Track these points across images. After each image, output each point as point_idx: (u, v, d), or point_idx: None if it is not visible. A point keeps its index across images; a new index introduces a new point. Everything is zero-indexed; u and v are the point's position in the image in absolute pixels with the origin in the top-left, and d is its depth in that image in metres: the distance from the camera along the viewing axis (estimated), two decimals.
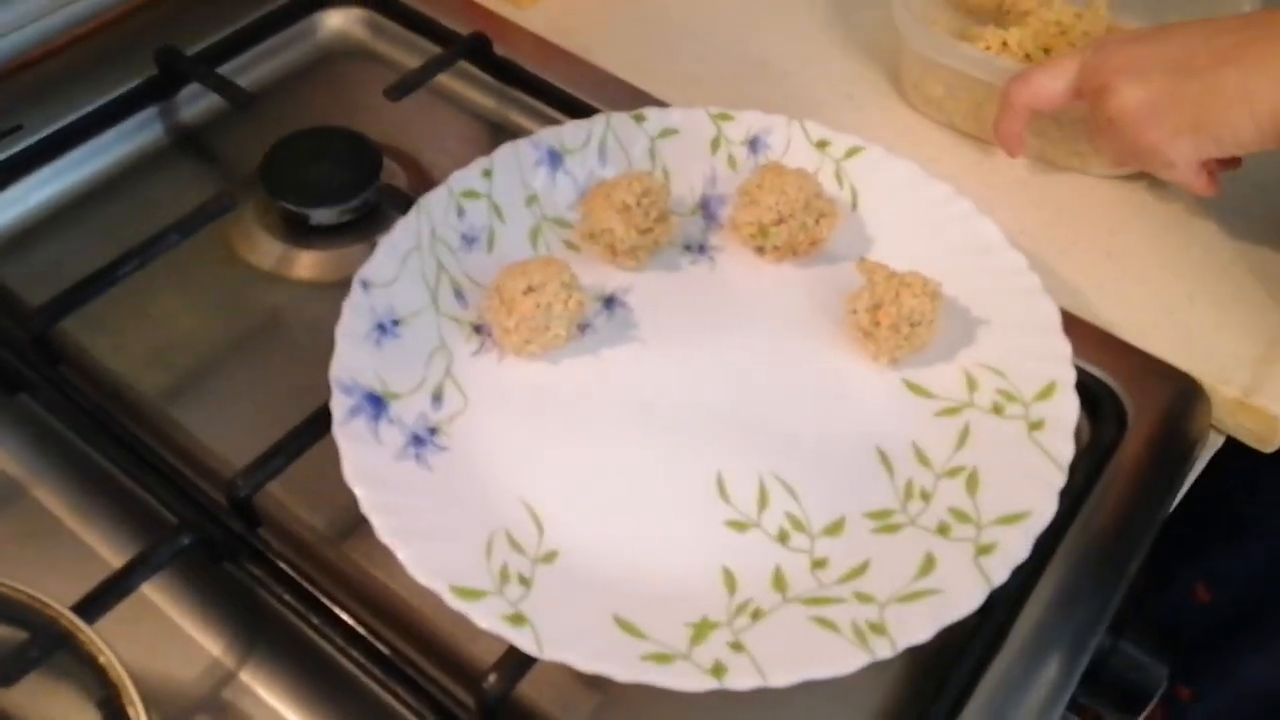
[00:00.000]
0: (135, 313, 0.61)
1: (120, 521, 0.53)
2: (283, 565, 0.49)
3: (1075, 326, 0.58)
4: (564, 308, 0.51)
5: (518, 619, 0.42)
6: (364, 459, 0.46)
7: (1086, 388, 0.55)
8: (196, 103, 0.70)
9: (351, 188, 0.63)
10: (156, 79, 0.69)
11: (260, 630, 0.49)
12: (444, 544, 0.44)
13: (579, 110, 0.66)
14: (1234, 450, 0.58)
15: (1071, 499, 0.52)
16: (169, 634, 0.50)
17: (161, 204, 0.64)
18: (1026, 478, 0.47)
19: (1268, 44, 0.49)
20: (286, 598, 0.48)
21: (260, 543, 0.50)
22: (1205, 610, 0.76)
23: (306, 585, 0.48)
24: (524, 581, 0.44)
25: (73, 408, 0.54)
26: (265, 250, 0.64)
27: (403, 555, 0.43)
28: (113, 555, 0.51)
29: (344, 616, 0.47)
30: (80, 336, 0.59)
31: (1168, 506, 0.55)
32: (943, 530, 0.46)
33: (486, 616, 0.42)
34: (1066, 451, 0.47)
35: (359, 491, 0.45)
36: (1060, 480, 0.47)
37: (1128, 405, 0.56)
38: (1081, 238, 0.62)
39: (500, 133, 0.71)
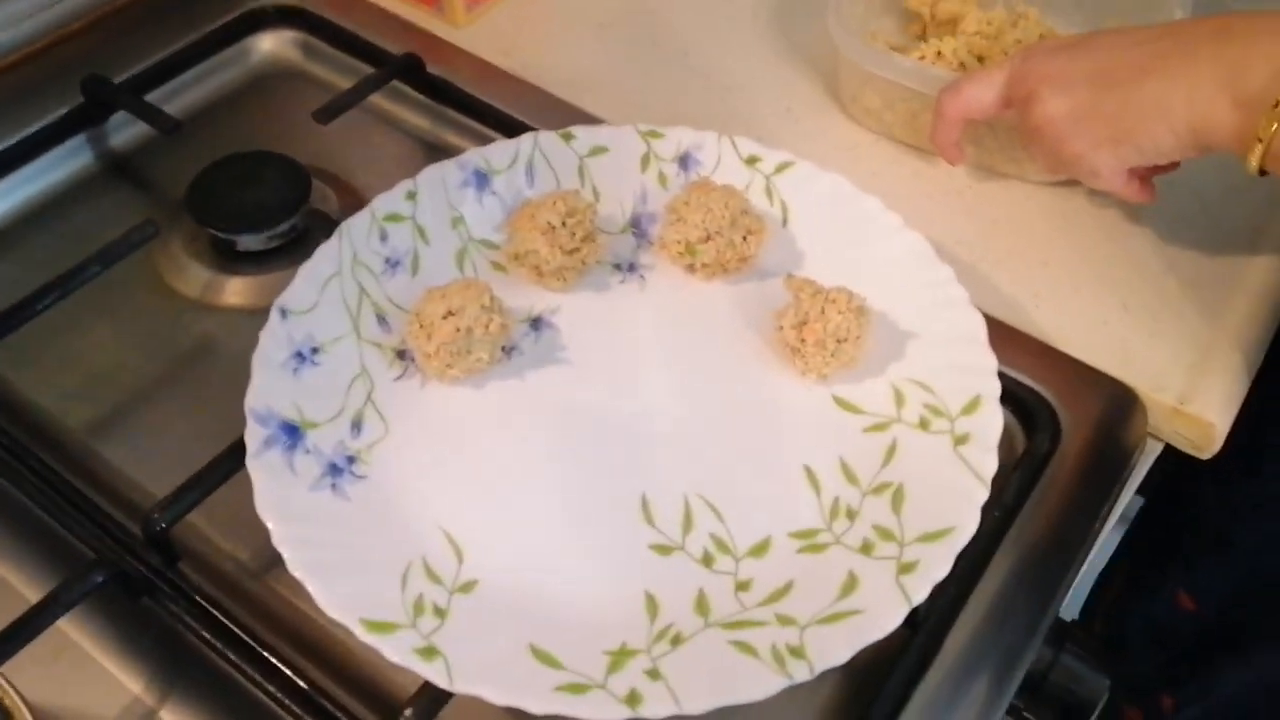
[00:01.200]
0: (60, 345, 0.60)
1: (39, 555, 0.51)
2: (200, 600, 0.48)
3: (1010, 337, 0.58)
4: (485, 331, 0.51)
5: (430, 652, 0.41)
6: (277, 491, 0.45)
7: (1020, 399, 0.55)
8: (125, 130, 0.70)
9: (279, 212, 0.62)
10: (83, 107, 0.68)
11: (181, 667, 0.48)
12: (357, 576, 0.43)
13: (514, 129, 0.66)
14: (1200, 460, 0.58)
15: (1005, 511, 0.51)
16: (88, 671, 0.49)
17: (90, 232, 0.63)
18: (950, 493, 0.47)
19: (1183, 56, 0.49)
20: (204, 634, 0.47)
21: (178, 578, 0.49)
22: (1190, 619, 0.75)
23: (225, 621, 0.47)
24: (439, 613, 0.43)
25: None
26: (193, 277, 0.63)
27: (313, 588, 0.42)
28: (30, 589, 0.50)
29: (262, 652, 0.46)
30: (3, 370, 0.58)
31: (1105, 516, 0.54)
32: (866, 548, 0.46)
33: (398, 650, 0.41)
34: (989, 465, 0.47)
35: (271, 525, 0.44)
36: (983, 495, 0.46)
37: (1062, 415, 0.56)
38: (1018, 247, 0.62)
39: (435, 153, 0.70)
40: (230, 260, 0.62)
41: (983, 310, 0.54)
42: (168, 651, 0.48)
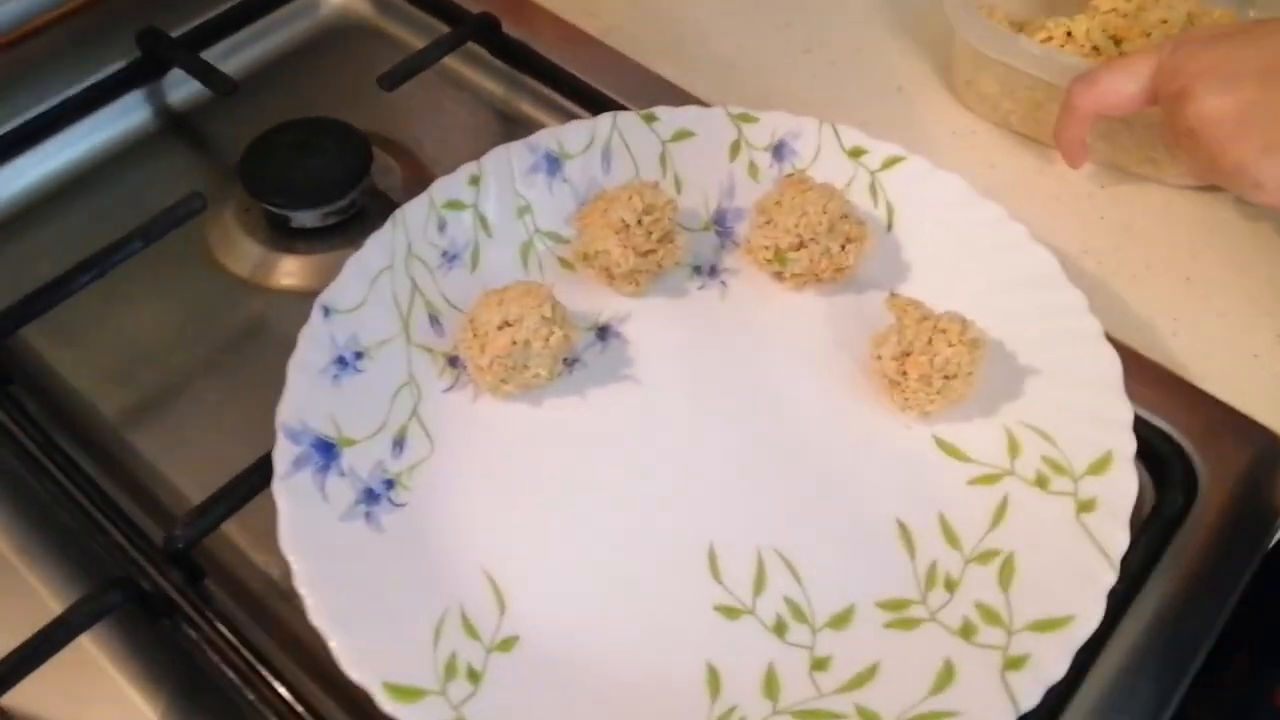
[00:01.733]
0: (101, 323, 0.56)
1: (67, 564, 0.48)
2: (220, 626, 0.44)
3: (1140, 369, 0.50)
4: (545, 345, 0.45)
5: None
6: (305, 521, 0.41)
7: (1151, 446, 0.48)
8: (182, 88, 0.65)
9: (337, 187, 0.57)
10: (139, 63, 0.64)
11: (199, 694, 0.45)
12: (385, 628, 0.39)
13: (594, 102, 0.60)
14: None
15: (1127, 581, 0.44)
16: (107, 691, 0.45)
17: (141, 198, 0.59)
18: (1070, 572, 0.40)
19: None
20: (221, 666, 0.43)
21: (199, 599, 0.45)
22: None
23: (243, 651, 0.43)
24: (473, 676, 0.38)
25: (19, 437, 0.49)
26: (244, 254, 0.59)
27: (335, 643, 0.38)
28: (56, 601, 0.47)
29: (278, 688, 0.42)
30: (42, 348, 0.55)
31: (1239, 590, 0.47)
32: (967, 632, 0.40)
33: None
34: (1119, 541, 0.40)
35: (293, 562, 0.40)
36: (1110, 579, 0.39)
37: (1200, 467, 0.48)
38: (1155, 261, 0.54)
39: (509, 124, 0.65)
40: (284, 237, 0.57)
41: (1109, 335, 0.46)
42: (187, 675, 0.45)
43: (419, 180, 0.57)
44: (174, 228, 0.55)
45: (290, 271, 0.58)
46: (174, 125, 0.66)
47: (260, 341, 0.56)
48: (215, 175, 0.62)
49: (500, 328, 0.45)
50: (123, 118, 0.65)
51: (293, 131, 0.60)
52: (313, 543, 0.40)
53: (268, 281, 0.57)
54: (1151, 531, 0.46)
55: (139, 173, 0.63)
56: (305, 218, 0.57)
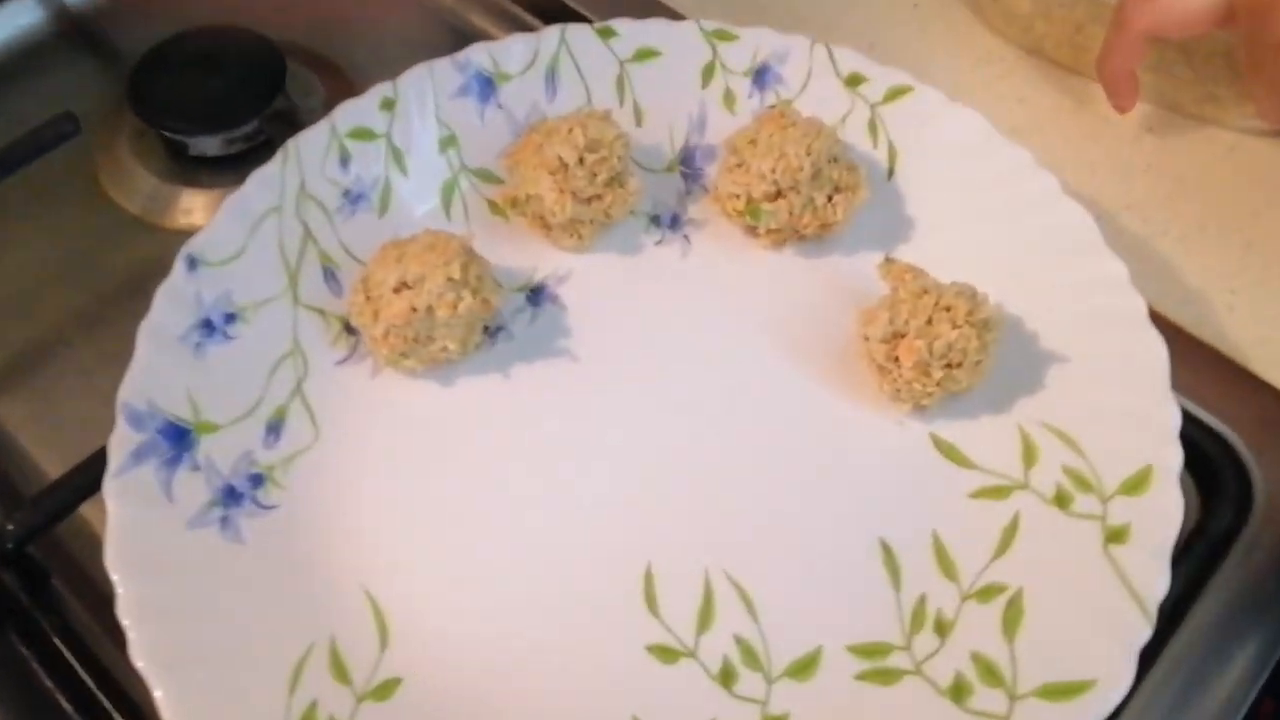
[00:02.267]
0: None
1: None
2: (58, 642, 0.37)
3: (1189, 352, 0.42)
4: (452, 312, 0.37)
5: None
6: (140, 529, 0.33)
7: (1197, 447, 0.39)
8: None
9: (243, 109, 0.49)
10: None
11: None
12: (228, 671, 0.31)
13: (554, 12, 0.50)
14: None
15: (1164, 616, 0.36)
16: None
17: (28, 119, 0.50)
18: (1094, 621, 0.32)
19: None
20: (54, 692, 0.36)
21: (36, 608, 0.37)
22: None
23: (82, 673, 0.36)
24: None
25: None
26: (136, 187, 0.51)
27: (159, 694, 0.30)
28: None
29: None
30: None
31: None
32: (959, 692, 0.32)
33: None
34: (1158, 585, 0.32)
35: (118, 583, 0.32)
36: (1143, 633, 0.31)
37: (1255, 474, 0.40)
38: (1211, 221, 0.46)
39: (457, 37, 0.56)
40: (182, 167, 0.50)
41: (1152, 311, 0.38)
42: (22, 698, 0.37)
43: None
44: (38, 155, 0.47)
45: (188, 208, 0.50)
46: (70, 31, 0.56)
47: (150, 290, 0.47)
48: (111, 92, 0.53)
49: (397, 290, 0.36)
50: (10, 21, 0.56)
51: (192, 42, 0.52)
52: (147, 558, 0.33)
53: (162, 219, 0.50)
54: (1193, 556, 0.38)
55: (24, 87, 0.54)
56: (205, 144, 0.50)
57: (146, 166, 0.50)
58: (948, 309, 0.36)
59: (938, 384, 0.36)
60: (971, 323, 0.35)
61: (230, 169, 0.50)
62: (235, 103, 0.49)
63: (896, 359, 0.36)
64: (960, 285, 0.37)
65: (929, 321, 0.36)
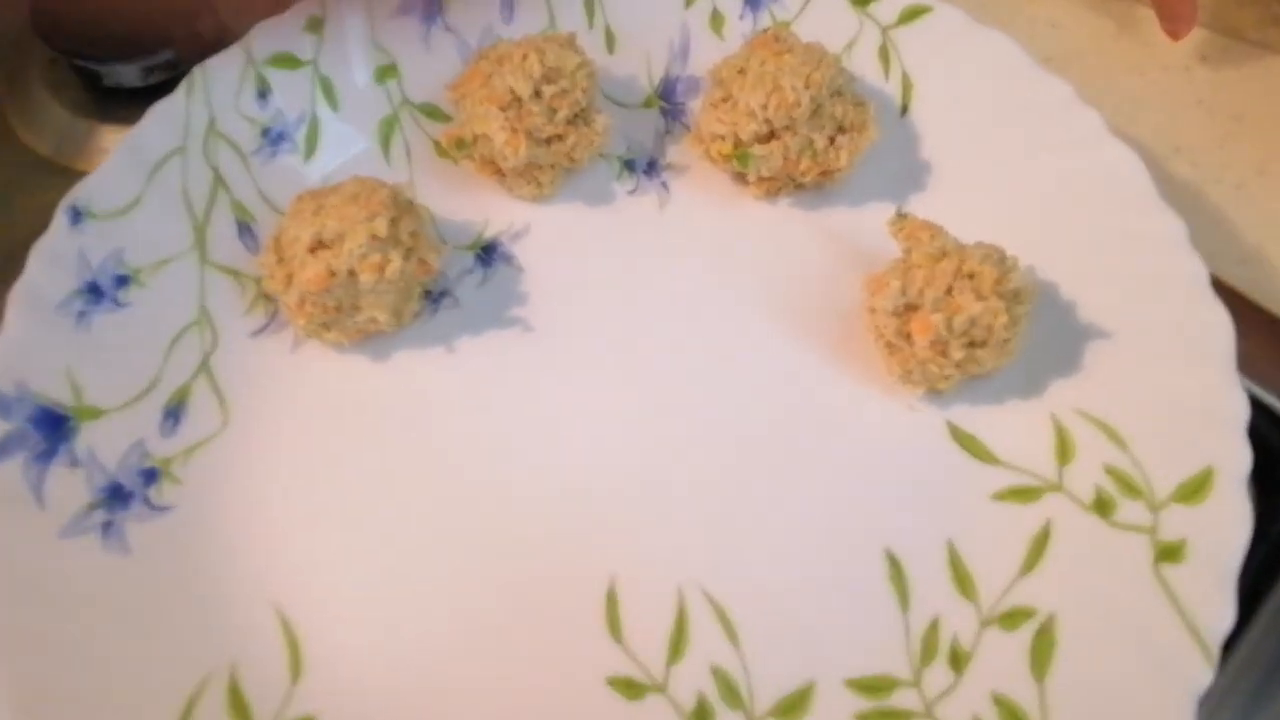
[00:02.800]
0: None
1: None
2: None
3: (1247, 321, 0.35)
4: (379, 277, 0.31)
5: None
6: (1, 540, 0.27)
7: (1257, 434, 0.33)
8: None
9: (164, 31, 0.43)
10: None
11: None
12: (103, 714, 0.26)
13: None
14: None
15: None
16: None
17: None
18: (1141, 660, 0.26)
19: None
20: None
21: None
22: None
23: None
24: None
25: None
26: (47, 125, 0.45)
27: None
28: None
29: None
30: None
31: None
32: None
33: None
34: (1221, 617, 0.26)
35: None
36: (1203, 677, 0.26)
37: None
38: (1273, 164, 0.41)
39: None
40: (98, 101, 0.45)
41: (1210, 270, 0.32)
42: None
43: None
44: None
45: (106, 147, 0.44)
46: None
47: None
48: (15, 17, 0.47)
49: (313, 250, 0.31)
50: None
51: None
52: (10, 574, 0.27)
53: (76, 160, 0.44)
54: (1258, 559, 0.32)
55: None
56: (123, 74, 0.44)
57: (58, 101, 0.44)
58: (971, 276, 0.30)
59: (957, 365, 0.30)
60: (1000, 293, 0.29)
61: (153, 101, 0.43)
62: (153, 23, 0.43)
63: (909, 335, 0.30)
64: (986, 247, 0.31)
65: (949, 291, 0.30)
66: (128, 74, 0.43)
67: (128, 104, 0.44)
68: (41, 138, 0.44)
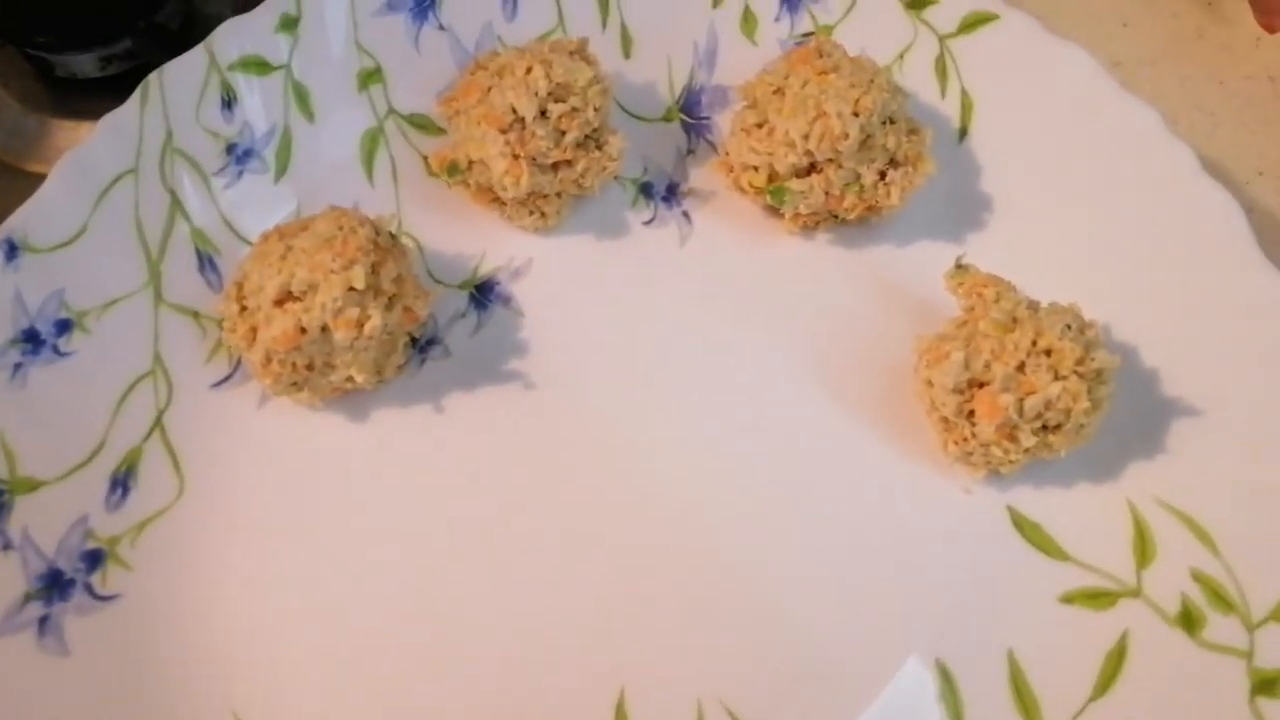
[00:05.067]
0: None
1: None
2: None
3: None
4: (355, 335, 0.26)
5: None
6: None
7: None
8: None
9: (122, 20, 0.40)
10: None
11: None
12: None
13: None
14: None
15: None
16: None
17: None
18: None
19: None
20: None
21: None
22: None
23: None
24: None
25: None
26: None
27: None
28: None
29: None
30: None
31: None
32: None
33: None
34: None
35: None
36: None
37: None
38: None
39: None
40: (51, 93, 0.42)
41: None
42: None
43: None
44: None
45: (60, 145, 0.41)
46: None
47: None
48: None
49: (280, 303, 0.26)
50: None
51: None
52: None
53: (26, 159, 0.40)
54: None
55: None
56: (77, 64, 0.40)
57: (7, 91, 0.42)
58: (1048, 352, 0.25)
59: (1026, 451, 0.26)
60: (1081, 374, 0.25)
61: (111, 95, 0.39)
62: (111, 14, 0.40)
63: (971, 414, 0.26)
64: (1064, 312, 0.26)
65: (1020, 368, 0.25)
66: (83, 64, 0.40)
67: (83, 96, 0.41)
68: None
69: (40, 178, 0.39)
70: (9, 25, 0.40)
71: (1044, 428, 0.26)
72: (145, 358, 0.29)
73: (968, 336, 0.26)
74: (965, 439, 0.27)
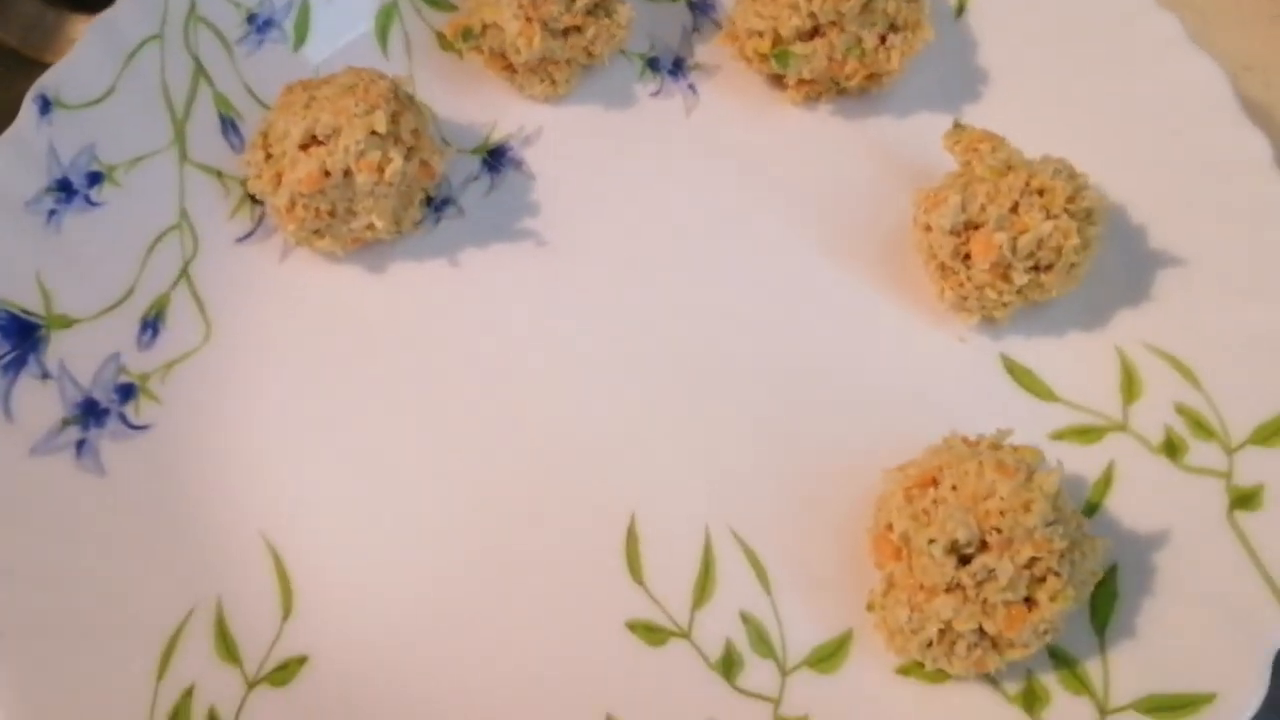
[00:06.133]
0: None
1: None
2: None
3: None
4: (378, 178, 0.28)
5: None
6: None
7: None
8: None
9: None
10: None
11: None
12: (80, 647, 0.24)
13: None
14: None
15: None
16: None
17: None
18: (1212, 614, 0.24)
19: None
20: None
21: None
22: None
23: None
24: None
25: None
26: (13, 12, 0.42)
27: None
28: None
29: None
30: None
31: None
32: (1031, 699, 0.24)
33: None
34: None
35: None
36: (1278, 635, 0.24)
37: None
38: None
39: None
40: None
41: None
42: None
43: None
44: None
45: (78, 38, 0.41)
46: None
47: None
48: None
49: (304, 146, 0.27)
50: None
51: None
52: None
53: (45, 51, 0.40)
54: None
55: None
56: None
57: None
58: (1040, 192, 0.27)
59: (1018, 291, 0.28)
60: (1072, 212, 0.27)
61: None
62: None
63: (967, 256, 0.27)
64: (1056, 161, 0.28)
65: (1014, 208, 0.27)
66: None
67: None
68: (7, 27, 0.41)
69: None
70: None
71: (1036, 267, 0.27)
72: (172, 211, 0.30)
73: (965, 184, 0.28)
74: (961, 283, 0.28)
